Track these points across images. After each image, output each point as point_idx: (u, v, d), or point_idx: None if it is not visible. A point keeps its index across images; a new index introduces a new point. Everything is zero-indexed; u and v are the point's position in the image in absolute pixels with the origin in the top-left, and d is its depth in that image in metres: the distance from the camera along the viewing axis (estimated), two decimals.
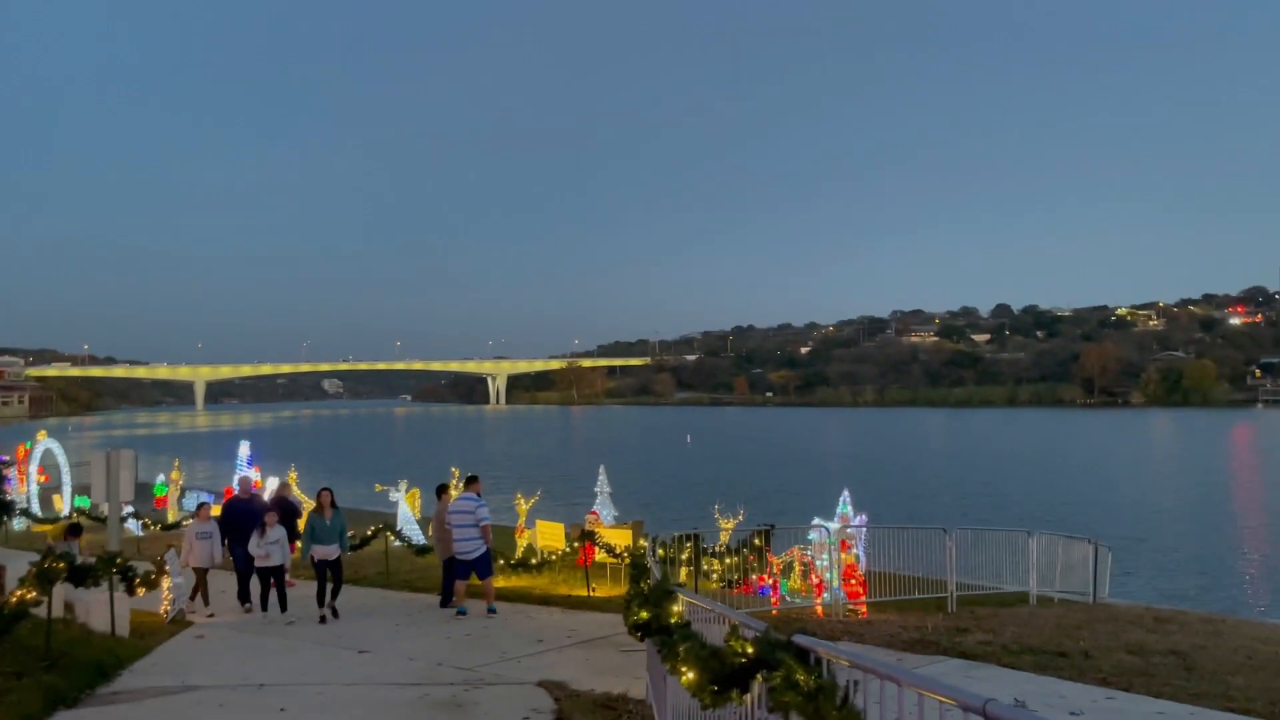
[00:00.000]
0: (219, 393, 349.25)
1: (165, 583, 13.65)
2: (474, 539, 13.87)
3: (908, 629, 11.94)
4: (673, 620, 5.17)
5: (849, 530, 13.75)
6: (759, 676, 3.46)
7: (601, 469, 23.01)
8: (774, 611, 12.67)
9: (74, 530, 14.52)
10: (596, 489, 22.61)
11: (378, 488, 24.76)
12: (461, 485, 14.83)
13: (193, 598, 14.30)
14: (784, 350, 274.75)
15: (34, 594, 9.44)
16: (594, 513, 20.30)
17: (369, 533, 18.58)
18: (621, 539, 15.50)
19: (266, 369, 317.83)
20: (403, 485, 24.87)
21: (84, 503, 31.55)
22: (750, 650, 3.50)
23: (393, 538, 18.56)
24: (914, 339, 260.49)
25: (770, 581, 13.25)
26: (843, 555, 13.19)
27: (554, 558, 15.94)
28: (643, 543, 11.17)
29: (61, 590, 10.84)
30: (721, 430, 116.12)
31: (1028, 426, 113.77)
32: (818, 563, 14.32)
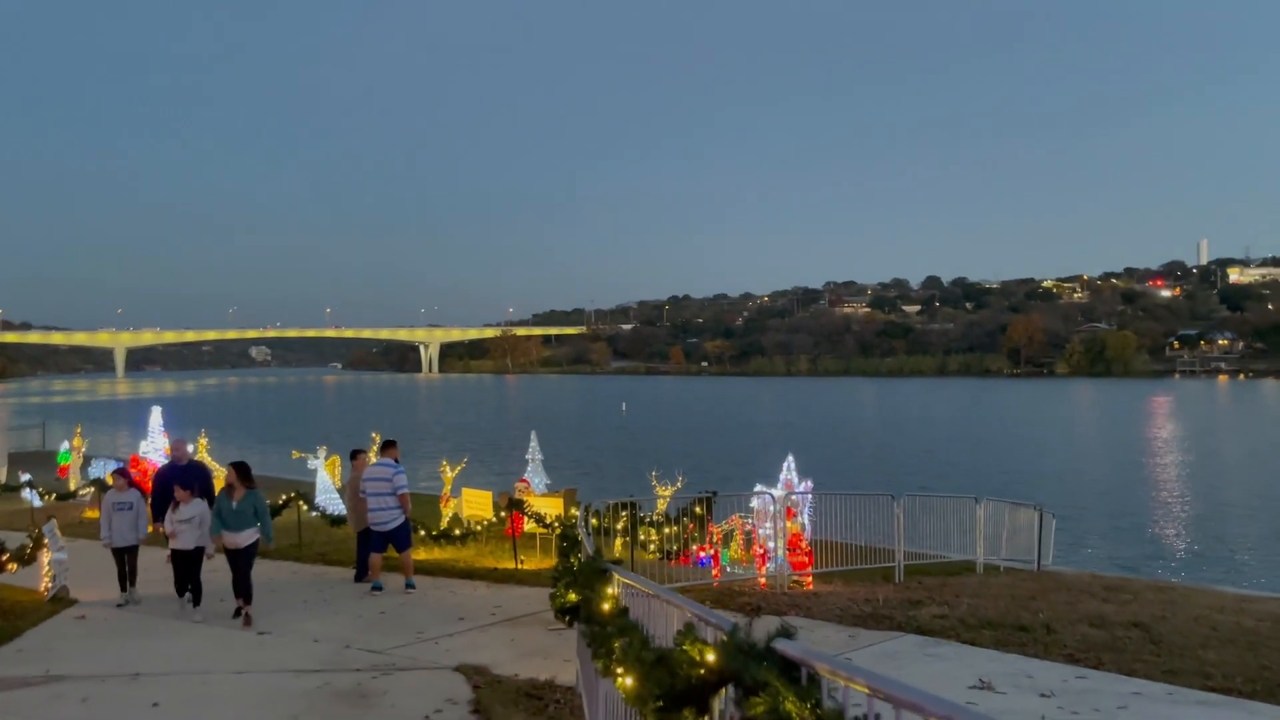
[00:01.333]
0: (141, 360, 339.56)
1: (45, 557, 12.33)
2: (391, 508, 12.80)
3: (857, 601, 11.19)
4: (606, 606, 4.23)
5: (794, 497, 12.94)
6: (722, 692, 2.56)
7: (533, 435, 21.95)
8: (715, 584, 11.84)
9: None
10: (528, 456, 21.54)
11: (295, 455, 23.40)
12: (378, 451, 13.60)
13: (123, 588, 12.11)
14: (719, 320, 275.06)
15: None
16: (524, 480, 19.25)
17: (280, 501, 17.32)
18: (552, 508, 14.51)
19: (191, 335, 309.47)
20: (322, 452, 23.53)
21: None
22: (712, 659, 2.58)
23: (305, 507, 17.34)
24: (847, 310, 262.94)
25: (711, 552, 12.40)
26: (788, 523, 12.38)
27: (480, 528, 14.88)
28: (574, 511, 10.24)
29: None
30: (657, 399, 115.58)
31: (958, 396, 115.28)
32: (760, 531, 13.53)
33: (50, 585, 12.27)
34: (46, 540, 12.21)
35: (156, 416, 29.96)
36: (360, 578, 13.25)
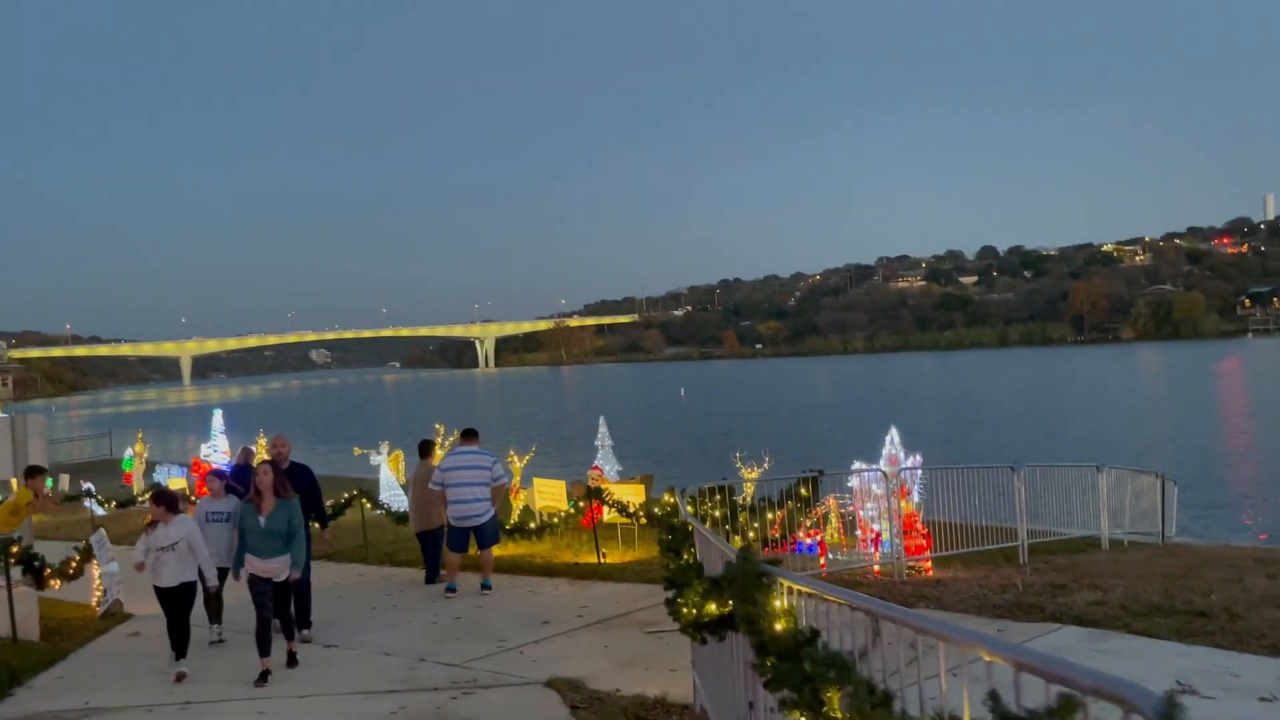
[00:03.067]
0: (206, 367, 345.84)
1: (95, 570, 11.46)
2: (482, 499, 11.55)
3: (991, 589, 9.83)
4: (779, 625, 3.03)
5: (904, 473, 11.60)
6: None
7: (601, 420, 20.82)
8: (824, 574, 10.56)
9: None
10: (597, 442, 20.41)
11: (356, 451, 22.64)
12: (454, 440, 12.36)
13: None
14: (771, 301, 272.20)
15: None
16: (597, 468, 18.13)
17: (343, 499, 16.40)
18: (634, 495, 13.33)
19: (253, 341, 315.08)
20: (384, 447, 22.73)
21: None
22: None
23: (370, 505, 16.38)
24: (901, 284, 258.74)
25: (817, 537, 11.12)
26: (902, 502, 11.05)
27: (556, 520, 13.76)
28: (669, 497, 9.05)
29: None
30: (714, 383, 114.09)
31: (1025, 366, 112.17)
32: (863, 513, 12.22)
33: (102, 599, 11.41)
34: (96, 552, 11.32)
35: (218, 419, 29.53)
36: (432, 579, 12.21)
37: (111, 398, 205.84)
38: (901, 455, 12.49)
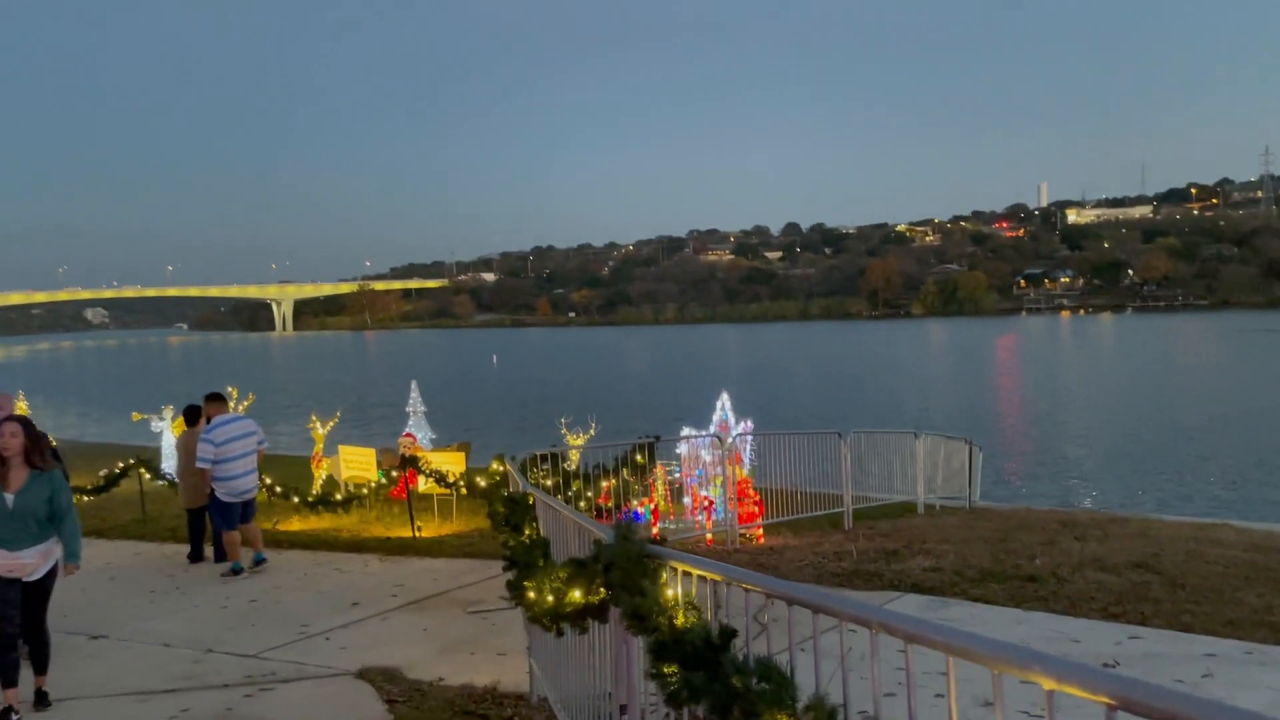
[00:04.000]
0: None
1: None
2: (254, 471, 10.72)
3: (826, 556, 9.63)
4: (680, 621, 2.39)
5: (737, 439, 11.28)
6: None
7: (414, 384, 19.69)
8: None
9: None
10: (409, 408, 19.29)
11: (135, 417, 20.44)
12: (208, 407, 11.06)
13: None
14: (585, 270, 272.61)
15: None
16: (409, 435, 17.05)
17: (118, 468, 14.71)
18: (454, 464, 12.42)
19: (17, 298, 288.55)
20: (168, 413, 20.67)
21: None
22: None
23: (149, 475, 14.78)
24: (711, 257, 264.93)
25: (651, 505, 10.62)
26: (734, 469, 10.71)
27: (364, 491, 12.69)
28: (499, 465, 8.30)
29: None
30: (527, 350, 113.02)
31: (826, 337, 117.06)
32: (691, 480, 11.85)
33: None
34: None
35: None
36: (198, 558, 11.05)
37: None
38: (732, 421, 12.20)
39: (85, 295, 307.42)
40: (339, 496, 12.45)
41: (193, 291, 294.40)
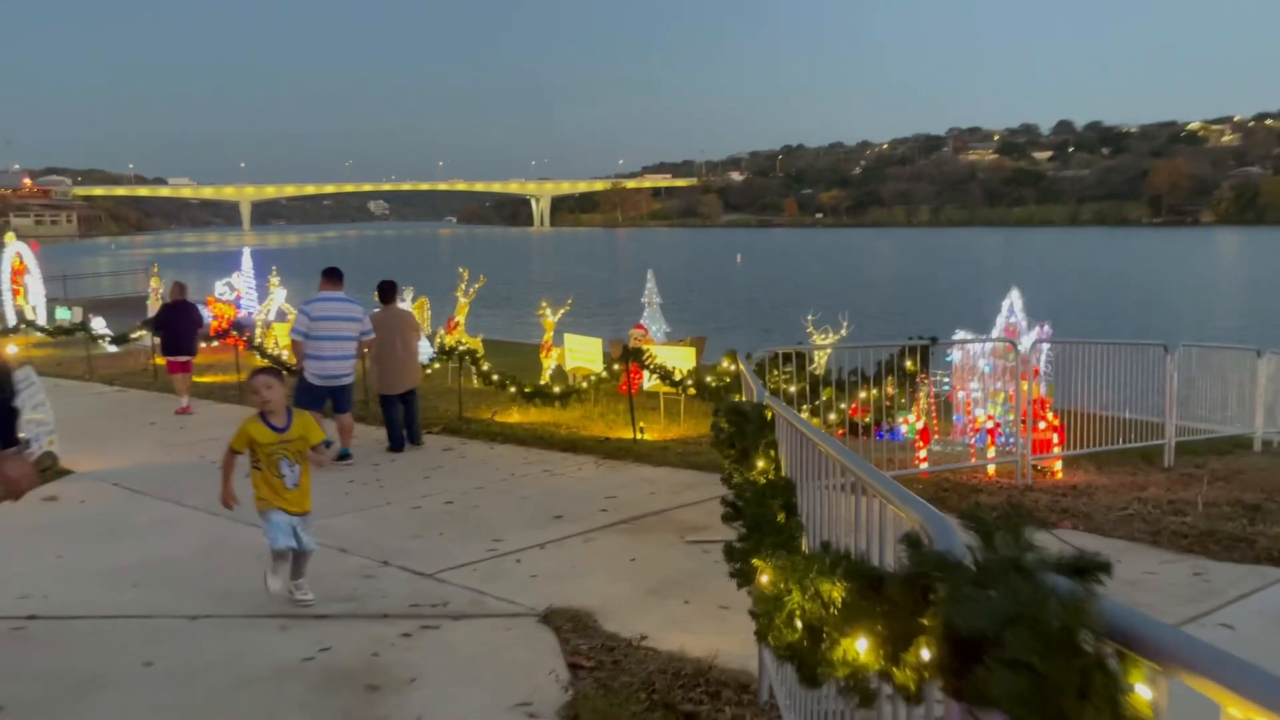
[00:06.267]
0: (266, 214, 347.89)
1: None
2: (352, 356, 9.85)
3: (1158, 505, 7.32)
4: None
5: (1035, 346, 8.96)
6: None
7: (649, 274, 18.32)
8: (923, 475, 8.12)
9: None
10: (643, 299, 17.98)
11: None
12: (322, 282, 10.03)
13: None
14: (835, 170, 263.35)
15: None
16: (641, 326, 15.72)
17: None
18: (684, 359, 10.87)
19: (311, 189, 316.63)
20: (408, 294, 20.47)
21: (65, 314, 27.70)
22: None
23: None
24: (972, 157, 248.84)
25: (918, 425, 8.61)
26: (1031, 386, 8.45)
27: (586, 385, 11.40)
28: (729, 363, 6.65)
29: None
30: (772, 250, 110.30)
31: (1103, 244, 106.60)
32: (960, 396, 9.68)
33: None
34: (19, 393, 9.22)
35: (246, 259, 27.57)
36: (398, 446, 10.16)
37: (174, 239, 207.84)
38: (1024, 325, 9.85)
39: (367, 188, 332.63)
40: (557, 390, 11.22)
41: (460, 186, 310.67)
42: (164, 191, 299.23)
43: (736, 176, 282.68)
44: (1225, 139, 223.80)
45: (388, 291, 10.75)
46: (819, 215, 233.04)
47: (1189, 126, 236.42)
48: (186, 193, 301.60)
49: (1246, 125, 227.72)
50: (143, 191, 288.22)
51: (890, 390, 8.12)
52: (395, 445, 10.21)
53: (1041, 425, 8.43)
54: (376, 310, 10.62)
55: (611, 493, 8.17)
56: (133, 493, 8.59)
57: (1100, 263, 74.65)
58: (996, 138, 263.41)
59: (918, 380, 8.27)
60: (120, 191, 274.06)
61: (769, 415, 3.78)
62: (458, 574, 6.12)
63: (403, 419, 10.33)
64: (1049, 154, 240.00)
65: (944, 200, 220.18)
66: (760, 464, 3.46)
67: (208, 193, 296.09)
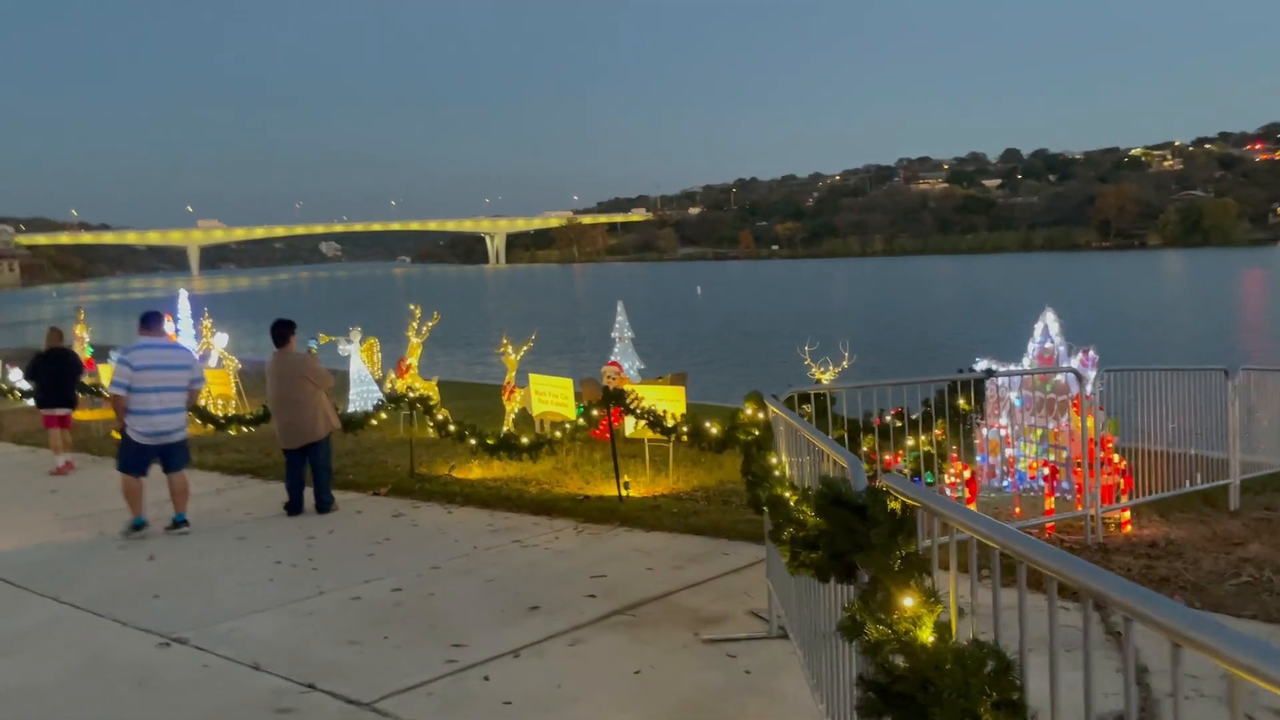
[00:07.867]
0: (215, 258, 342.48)
1: None
2: (183, 409, 8.67)
3: (1259, 564, 5.96)
4: None
5: (1091, 375, 7.63)
6: None
7: (620, 307, 16.87)
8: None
9: None
10: (614, 333, 16.48)
11: (322, 339, 18.70)
12: (141, 328, 8.98)
13: None
14: (789, 201, 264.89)
15: None
16: (614, 363, 14.20)
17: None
18: (672, 401, 9.36)
19: (260, 232, 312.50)
20: (356, 334, 18.87)
21: None
22: None
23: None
24: (922, 186, 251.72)
25: (966, 470, 7.14)
26: (1085, 421, 7.10)
27: (559, 435, 9.88)
28: (753, 410, 5.27)
29: None
30: (731, 282, 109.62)
31: (1057, 269, 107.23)
32: (999, 435, 8.31)
33: None
34: None
35: (184, 302, 25.79)
36: (297, 509, 8.79)
37: (119, 285, 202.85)
38: (1063, 351, 8.53)
39: (319, 229, 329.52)
40: (525, 440, 9.69)
41: (413, 226, 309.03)
42: (108, 238, 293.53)
43: (691, 210, 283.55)
44: (1167, 164, 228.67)
45: (281, 334, 9.16)
46: (775, 247, 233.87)
47: (1132, 152, 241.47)
48: (131, 238, 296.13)
49: (1187, 150, 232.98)
50: (87, 238, 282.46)
51: (939, 435, 6.71)
52: (291, 508, 8.81)
53: (1105, 470, 7.06)
54: (272, 355, 9.17)
55: (599, 570, 6.66)
56: (9, 586, 6.95)
57: (1066, 286, 74.53)
58: (946, 167, 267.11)
59: (973, 421, 6.86)
60: (64, 239, 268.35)
61: (893, 508, 2.34)
62: (406, 700, 4.58)
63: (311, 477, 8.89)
64: (998, 181, 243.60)
65: (897, 229, 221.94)
66: (906, 602, 2.01)
67: (154, 238, 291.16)
